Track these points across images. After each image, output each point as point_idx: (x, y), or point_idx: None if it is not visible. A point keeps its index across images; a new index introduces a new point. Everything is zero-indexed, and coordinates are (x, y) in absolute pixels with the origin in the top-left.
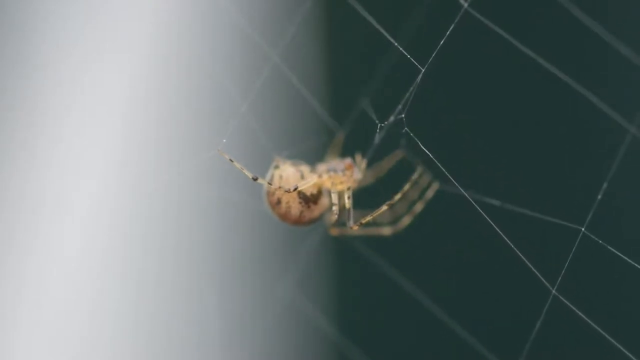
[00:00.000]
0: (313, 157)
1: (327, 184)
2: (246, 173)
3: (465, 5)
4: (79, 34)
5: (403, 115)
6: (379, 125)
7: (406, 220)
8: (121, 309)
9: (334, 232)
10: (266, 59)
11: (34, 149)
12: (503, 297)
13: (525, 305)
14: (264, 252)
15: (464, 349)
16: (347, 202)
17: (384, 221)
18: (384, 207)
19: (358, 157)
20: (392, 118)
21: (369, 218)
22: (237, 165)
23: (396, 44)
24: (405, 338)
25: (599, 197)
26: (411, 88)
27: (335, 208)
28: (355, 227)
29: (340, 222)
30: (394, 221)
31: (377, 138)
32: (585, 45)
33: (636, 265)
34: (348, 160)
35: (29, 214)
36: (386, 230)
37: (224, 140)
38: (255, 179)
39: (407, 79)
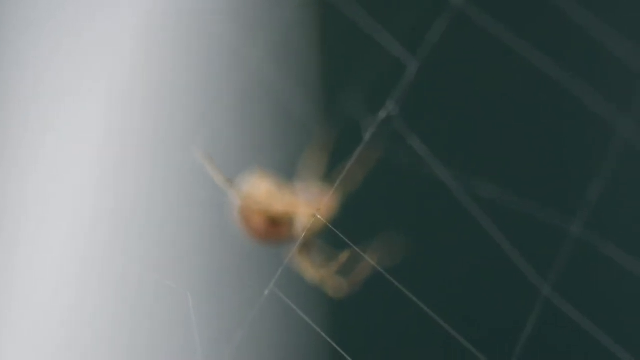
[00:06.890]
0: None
1: (293, 206)
2: (218, 177)
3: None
4: (68, 36)
5: (392, 111)
6: (369, 123)
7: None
8: (104, 307)
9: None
10: (257, 61)
11: (19, 148)
12: (494, 297)
13: (515, 304)
14: (254, 252)
15: (454, 346)
16: (304, 230)
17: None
18: None
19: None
20: (381, 114)
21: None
22: (211, 168)
23: (386, 38)
24: (399, 337)
25: (590, 195)
26: (401, 84)
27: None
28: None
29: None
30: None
31: (367, 135)
32: (579, 42)
33: (628, 262)
34: (322, 190)
35: (12, 215)
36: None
37: (204, 141)
38: (229, 182)
39: (401, 76)
